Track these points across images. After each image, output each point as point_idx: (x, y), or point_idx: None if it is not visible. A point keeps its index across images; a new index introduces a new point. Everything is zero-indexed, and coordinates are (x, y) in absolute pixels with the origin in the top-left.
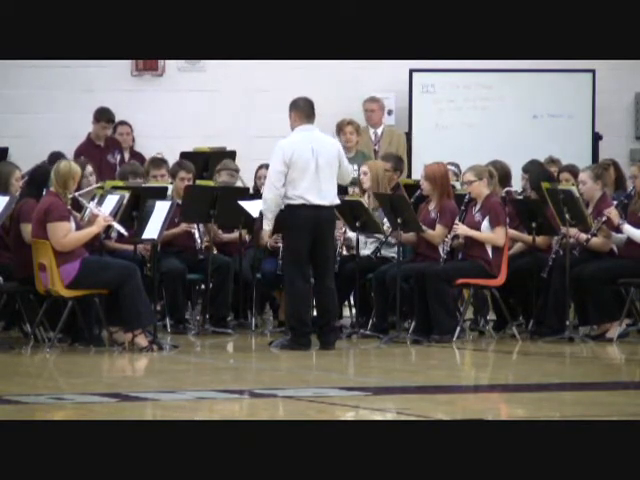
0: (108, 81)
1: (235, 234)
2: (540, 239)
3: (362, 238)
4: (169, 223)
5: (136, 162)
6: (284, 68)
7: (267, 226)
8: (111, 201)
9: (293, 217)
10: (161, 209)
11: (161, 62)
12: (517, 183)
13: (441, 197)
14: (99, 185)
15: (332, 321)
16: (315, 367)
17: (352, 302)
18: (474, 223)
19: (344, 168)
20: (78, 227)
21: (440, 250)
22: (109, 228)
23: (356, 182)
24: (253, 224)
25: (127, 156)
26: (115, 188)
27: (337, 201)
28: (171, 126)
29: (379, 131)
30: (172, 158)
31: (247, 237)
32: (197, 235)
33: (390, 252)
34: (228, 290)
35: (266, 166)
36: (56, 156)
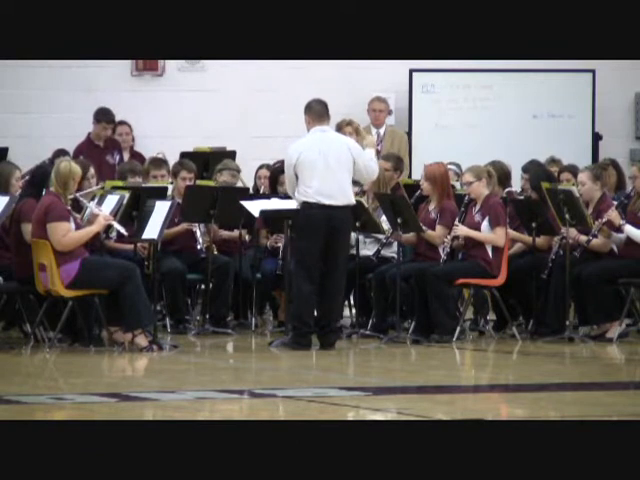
0: (108, 81)
1: (235, 233)
2: (540, 239)
3: (361, 238)
4: (170, 223)
5: (135, 161)
6: (284, 68)
7: None
8: (111, 201)
9: (306, 218)
10: (161, 209)
11: (161, 62)
12: (517, 183)
13: (441, 197)
14: (100, 187)
15: (333, 322)
16: (315, 367)
17: (352, 302)
18: (474, 223)
19: (359, 166)
20: (78, 227)
21: (440, 250)
22: (109, 228)
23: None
24: (253, 224)
25: (127, 156)
26: (115, 188)
27: (352, 200)
28: (171, 126)
29: (381, 131)
30: (172, 158)
31: (247, 237)
32: (198, 234)
33: (390, 252)
34: (228, 290)
35: (267, 166)
36: (60, 154)
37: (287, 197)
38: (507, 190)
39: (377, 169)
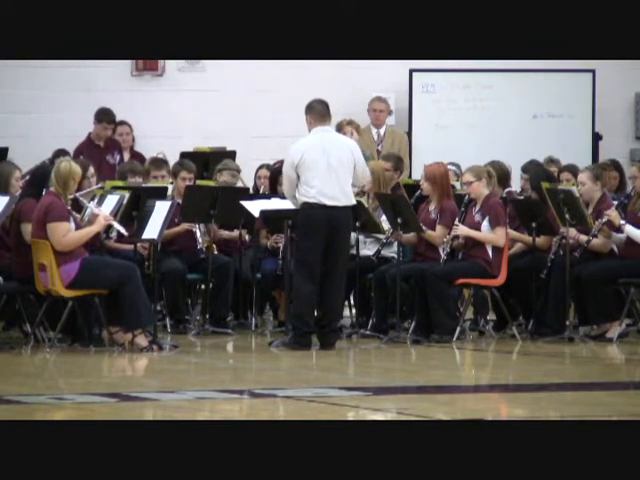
0: (108, 81)
1: (235, 233)
2: (540, 239)
3: (361, 238)
4: (170, 223)
5: (135, 161)
6: (284, 68)
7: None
8: (111, 201)
9: (306, 218)
10: (161, 209)
11: (161, 62)
12: (517, 183)
13: (441, 197)
14: (100, 186)
15: (334, 322)
16: (315, 367)
17: (352, 302)
18: (474, 223)
19: (357, 171)
20: (78, 227)
21: (440, 250)
22: (109, 228)
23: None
24: (253, 224)
25: (127, 156)
26: (115, 188)
27: (353, 201)
28: (171, 126)
29: (382, 131)
30: (172, 158)
31: (247, 237)
32: (198, 234)
33: (390, 252)
34: (228, 290)
35: (267, 166)
36: (60, 154)
37: None
38: (507, 190)
39: (369, 176)
